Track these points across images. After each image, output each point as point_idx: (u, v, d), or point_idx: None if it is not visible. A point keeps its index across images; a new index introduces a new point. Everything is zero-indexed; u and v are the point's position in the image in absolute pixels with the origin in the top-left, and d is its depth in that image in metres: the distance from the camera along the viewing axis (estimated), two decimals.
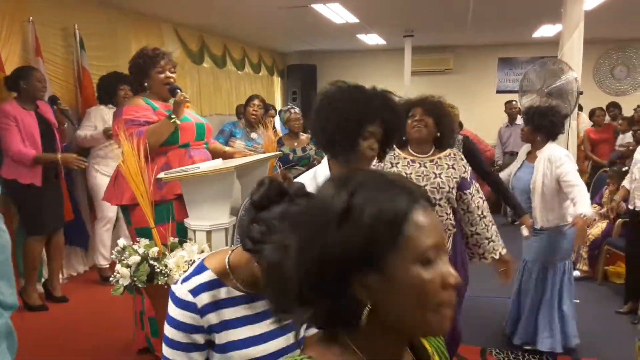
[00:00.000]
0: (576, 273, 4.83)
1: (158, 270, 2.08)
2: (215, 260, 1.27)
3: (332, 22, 6.57)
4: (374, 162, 2.02)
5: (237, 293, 1.25)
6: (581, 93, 3.97)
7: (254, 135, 4.03)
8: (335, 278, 0.68)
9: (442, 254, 0.71)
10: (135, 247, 2.16)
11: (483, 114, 8.43)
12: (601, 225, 4.89)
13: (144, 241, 2.19)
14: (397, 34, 7.77)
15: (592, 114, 6.71)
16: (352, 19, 6.41)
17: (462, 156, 2.65)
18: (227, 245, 2.41)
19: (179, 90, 2.71)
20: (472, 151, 3.12)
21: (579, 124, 5.98)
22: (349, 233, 0.67)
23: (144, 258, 2.09)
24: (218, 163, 2.62)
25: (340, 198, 0.69)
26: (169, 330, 1.22)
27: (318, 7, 5.67)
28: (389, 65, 9.67)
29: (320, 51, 10.22)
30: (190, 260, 2.16)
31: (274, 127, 4.22)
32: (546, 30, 7.43)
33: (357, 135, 1.71)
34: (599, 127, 6.52)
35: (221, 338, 1.23)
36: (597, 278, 4.73)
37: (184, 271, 2.14)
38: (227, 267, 1.24)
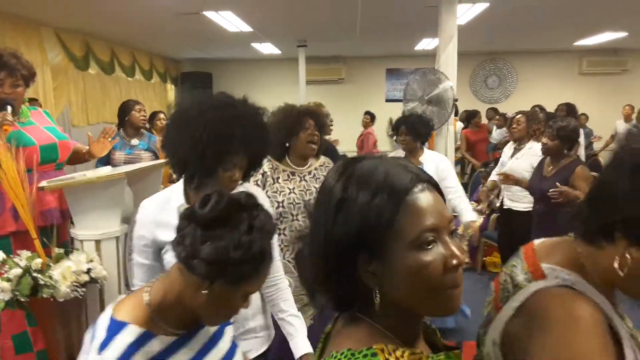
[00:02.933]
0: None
1: (42, 282, 1.98)
2: (129, 310, 1.03)
3: (225, 30, 6.58)
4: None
5: (171, 339, 1.04)
6: (456, 100, 4.36)
7: (134, 141, 3.87)
8: (340, 264, 0.71)
9: (444, 235, 0.70)
10: (17, 259, 2.03)
11: (375, 121, 8.86)
12: (478, 221, 5.37)
13: (26, 253, 2.07)
14: (290, 43, 7.95)
15: (472, 117, 7.34)
16: (246, 27, 6.46)
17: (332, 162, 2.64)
18: (118, 255, 2.35)
19: (8, 107, 2.30)
20: (333, 157, 3.13)
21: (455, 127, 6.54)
22: (344, 220, 0.69)
23: (26, 270, 1.98)
24: (107, 170, 2.55)
25: (337, 187, 0.72)
26: None
27: (210, 15, 5.66)
28: (284, 74, 9.85)
29: (216, 59, 10.14)
30: (78, 271, 2.08)
31: None
32: (427, 44, 8.04)
33: (216, 164, 1.41)
34: (476, 128, 7.15)
35: None
36: (477, 268, 5.19)
37: (73, 282, 2.07)
38: (151, 311, 1.02)
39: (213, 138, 1.35)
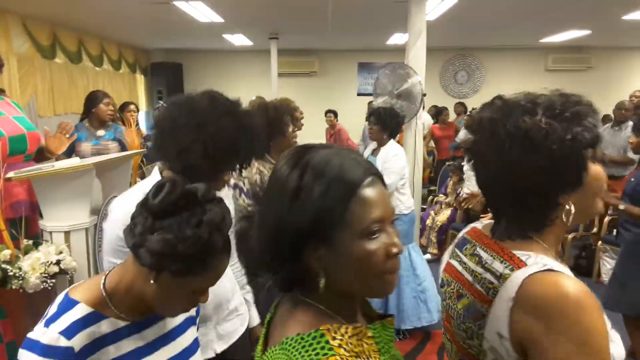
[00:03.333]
0: (427, 256, 5.40)
1: (11, 274, 1.97)
2: (84, 291, 1.04)
3: (196, 21, 6.53)
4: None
5: (122, 323, 1.05)
6: (424, 95, 4.45)
7: (100, 132, 3.82)
8: (289, 250, 0.75)
9: (387, 226, 0.76)
10: None
11: (346, 115, 8.94)
12: (447, 213, 5.50)
13: None
14: (262, 35, 7.94)
15: (439, 113, 7.49)
16: (217, 18, 6.43)
17: None
18: (87, 246, 2.35)
19: None
20: None
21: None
22: (300, 210, 0.73)
23: None
24: (75, 161, 2.53)
25: (292, 176, 0.75)
26: None
27: (181, 5, 5.61)
28: (256, 66, 9.82)
29: (187, 49, 10.03)
30: (48, 262, 2.08)
31: (137, 125, 4.10)
32: (398, 38, 8.13)
33: (223, 169, 1.41)
34: (443, 125, 7.30)
35: None
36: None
37: (42, 274, 2.07)
38: (104, 295, 1.03)
39: (227, 145, 1.34)
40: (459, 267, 1.04)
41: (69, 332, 0.97)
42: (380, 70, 4.70)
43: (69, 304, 1.02)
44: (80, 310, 1.00)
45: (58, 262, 2.11)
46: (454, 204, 5.51)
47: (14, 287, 1.99)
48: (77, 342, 0.98)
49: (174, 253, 0.94)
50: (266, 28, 7.56)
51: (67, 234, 2.28)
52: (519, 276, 0.88)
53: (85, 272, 2.32)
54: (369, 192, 0.75)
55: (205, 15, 6.20)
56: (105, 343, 1.02)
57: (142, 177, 3.93)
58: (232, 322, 1.63)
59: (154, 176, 1.49)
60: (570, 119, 0.90)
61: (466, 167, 4.66)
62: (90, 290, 1.04)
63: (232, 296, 1.64)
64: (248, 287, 1.78)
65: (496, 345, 0.89)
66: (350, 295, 0.79)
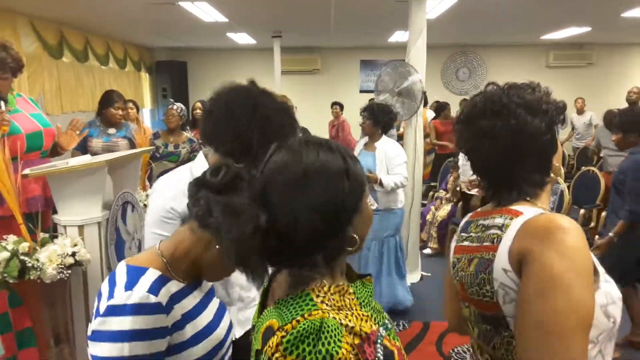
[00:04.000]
0: (427, 250, 5.51)
1: (30, 265, 2.09)
2: (145, 260, 1.14)
3: (200, 20, 6.63)
4: None
5: (182, 284, 1.16)
6: (425, 93, 4.54)
7: (111, 130, 3.94)
8: (347, 222, 0.89)
9: None
10: (4, 243, 2.13)
11: (348, 111, 9.01)
12: (447, 208, 5.60)
13: (13, 237, 2.17)
14: (266, 34, 8.04)
15: (442, 109, 7.55)
16: (221, 18, 6.53)
17: None
18: (100, 239, 2.46)
19: (2, 103, 2.44)
20: None
21: (425, 118, 6.76)
22: (354, 188, 0.89)
23: (14, 254, 2.08)
24: (87, 158, 2.65)
25: (337, 161, 0.89)
26: (124, 348, 1.02)
27: (186, 5, 5.71)
28: (259, 64, 9.92)
29: (191, 48, 10.14)
30: (64, 254, 2.19)
31: (137, 121, 4.20)
32: (399, 36, 8.21)
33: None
34: (445, 120, 7.36)
35: (185, 334, 1.13)
36: (444, 253, 5.42)
37: (59, 265, 2.17)
38: (164, 261, 1.14)
39: (276, 127, 1.41)
40: (467, 243, 1.17)
41: (154, 290, 1.07)
42: (382, 67, 4.80)
43: (139, 271, 1.11)
44: (153, 274, 1.11)
45: (73, 254, 2.22)
46: (454, 199, 5.60)
47: (32, 277, 2.11)
48: (163, 298, 1.08)
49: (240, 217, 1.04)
50: (269, 27, 7.65)
51: (80, 227, 2.39)
52: (518, 222, 1.03)
53: (98, 264, 2.43)
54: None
55: (210, 14, 6.30)
56: (176, 300, 1.12)
57: (150, 174, 4.04)
58: (252, 309, 1.73)
59: (200, 161, 1.59)
60: (544, 96, 1.11)
61: (461, 161, 4.78)
62: (150, 259, 1.15)
63: (251, 287, 1.72)
64: None
65: (503, 280, 1.01)
66: (351, 254, 0.94)
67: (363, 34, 8.35)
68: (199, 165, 1.57)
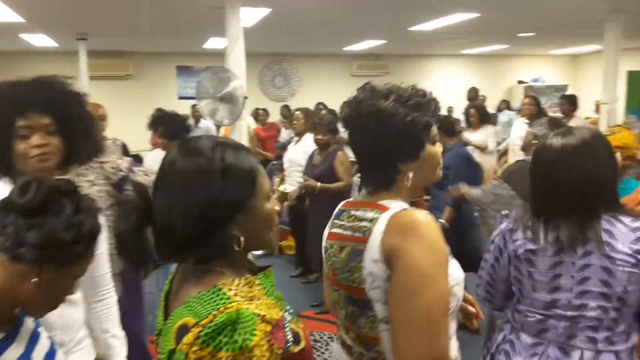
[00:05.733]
0: (259, 252, 5.65)
1: None
2: None
3: None
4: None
5: (1, 336, 1.00)
6: (246, 98, 4.67)
7: None
8: (222, 222, 0.90)
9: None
10: None
11: None
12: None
13: None
14: (69, 36, 7.37)
15: (255, 115, 7.81)
16: (17, 18, 5.81)
17: None
18: None
19: None
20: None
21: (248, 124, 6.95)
22: (231, 187, 0.90)
23: None
24: None
25: (215, 160, 0.90)
26: None
27: None
28: (63, 69, 8.75)
29: None
30: None
31: None
32: (215, 42, 8.25)
33: (8, 136, 1.33)
34: (264, 126, 7.64)
35: None
36: (274, 252, 5.63)
37: None
38: None
39: None
40: (339, 230, 1.27)
41: None
42: (202, 73, 4.79)
43: None
44: None
45: None
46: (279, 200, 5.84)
47: None
48: None
49: (59, 243, 0.98)
50: (73, 28, 7.03)
51: None
52: (385, 216, 1.14)
53: None
54: (262, 168, 0.98)
55: (2, 14, 5.56)
56: None
57: None
58: (80, 352, 1.53)
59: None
60: (411, 106, 1.18)
61: (286, 164, 5.01)
62: None
63: (80, 327, 1.54)
64: (117, 332, 1.63)
65: (373, 269, 1.12)
66: (250, 251, 0.99)
67: (178, 39, 8.20)
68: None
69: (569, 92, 9.94)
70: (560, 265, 1.44)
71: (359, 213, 1.22)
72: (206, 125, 6.83)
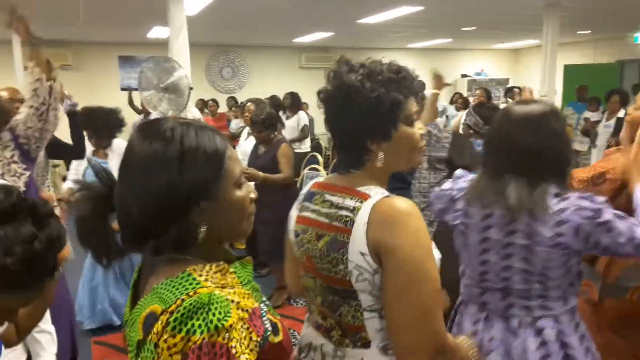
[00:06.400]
0: None
1: None
2: None
3: None
4: None
5: None
6: (192, 88, 4.56)
7: None
8: (181, 209, 0.85)
9: (244, 178, 0.94)
10: None
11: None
12: None
13: None
14: (1, 24, 6.96)
15: (205, 105, 7.65)
16: None
17: None
18: None
19: None
20: None
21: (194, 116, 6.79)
22: (190, 172, 0.84)
23: None
24: None
25: (173, 145, 0.85)
26: None
27: None
28: None
29: None
30: None
31: None
32: (159, 32, 8.01)
33: None
34: (214, 116, 7.50)
35: None
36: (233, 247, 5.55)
37: None
38: None
39: None
40: (312, 215, 1.21)
41: None
42: (144, 63, 4.64)
43: None
44: None
45: None
46: None
47: None
48: None
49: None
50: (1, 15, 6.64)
51: None
52: (368, 205, 1.10)
53: None
54: (232, 152, 0.92)
55: None
56: None
57: None
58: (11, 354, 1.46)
59: None
60: (380, 82, 1.10)
61: (240, 156, 4.95)
62: None
63: None
64: (45, 327, 1.60)
65: (359, 262, 1.09)
66: (221, 241, 0.95)
67: (119, 28, 7.91)
68: None
69: (510, 85, 10.33)
70: (487, 241, 1.49)
71: (336, 199, 1.17)
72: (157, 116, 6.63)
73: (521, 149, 1.43)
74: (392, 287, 1.07)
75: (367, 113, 1.11)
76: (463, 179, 1.62)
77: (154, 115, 6.51)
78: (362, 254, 1.09)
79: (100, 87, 9.43)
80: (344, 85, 1.12)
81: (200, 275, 0.85)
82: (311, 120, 8.81)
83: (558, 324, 1.45)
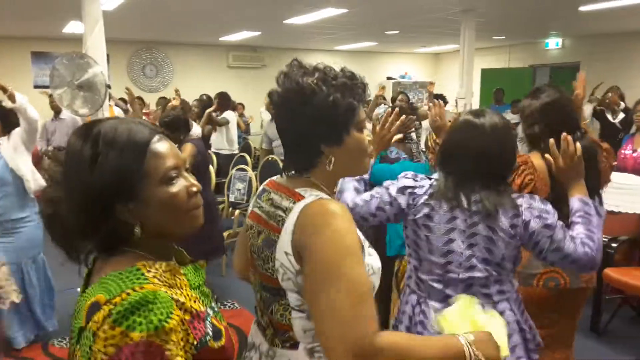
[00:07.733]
0: None
1: None
2: None
3: None
4: None
5: None
6: (109, 86, 4.37)
7: None
8: (101, 211, 0.85)
9: (182, 171, 0.92)
10: None
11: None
12: None
13: None
14: None
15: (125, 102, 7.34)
16: None
17: None
18: None
19: None
20: None
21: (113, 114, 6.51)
22: (101, 174, 0.84)
23: None
24: None
25: (87, 146, 0.85)
26: None
27: None
28: None
29: None
30: None
31: None
32: (75, 27, 7.62)
33: None
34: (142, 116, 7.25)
35: None
36: None
37: None
38: None
39: None
40: (259, 212, 1.23)
41: None
42: (57, 59, 4.39)
43: None
44: None
45: None
46: None
47: None
48: None
49: None
50: None
51: None
52: (299, 206, 1.10)
53: None
54: (159, 146, 0.90)
55: None
56: None
57: None
58: None
59: None
60: (335, 86, 1.11)
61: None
62: None
63: None
64: None
65: (283, 261, 1.10)
66: (165, 237, 0.94)
67: (32, 22, 7.45)
68: None
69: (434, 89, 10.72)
70: (452, 231, 1.61)
71: (276, 198, 1.19)
72: (70, 116, 6.22)
73: (490, 154, 1.59)
74: (309, 288, 1.07)
75: (323, 116, 1.11)
76: (420, 178, 1.71)
77: (65, 113, 6.21)
78: (287, 254, 1.10)
79: (12, 83, 8.79)
80: (299, 87, 1.12)
81: (149, 272, 0.86)
82: (246, 121, 8.75)
83: (511, 304, 1.63)
